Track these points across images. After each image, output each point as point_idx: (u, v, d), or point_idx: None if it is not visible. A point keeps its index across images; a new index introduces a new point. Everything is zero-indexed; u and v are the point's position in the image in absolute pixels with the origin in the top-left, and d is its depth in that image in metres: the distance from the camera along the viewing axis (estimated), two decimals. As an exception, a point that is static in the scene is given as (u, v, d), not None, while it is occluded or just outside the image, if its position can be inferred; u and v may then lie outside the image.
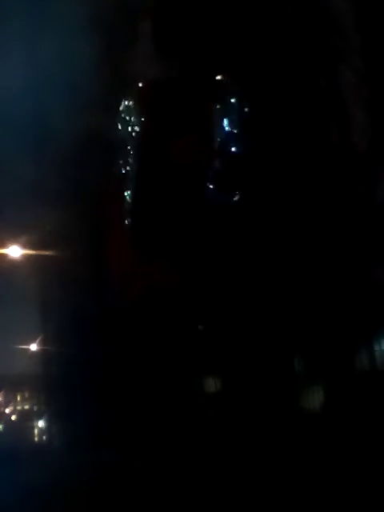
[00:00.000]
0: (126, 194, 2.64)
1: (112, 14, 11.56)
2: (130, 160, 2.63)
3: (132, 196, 2.55)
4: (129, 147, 2.64)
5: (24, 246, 14.33)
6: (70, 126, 13.05)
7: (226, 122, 2.51)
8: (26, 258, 14.86)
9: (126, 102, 2.63)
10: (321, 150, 9.40)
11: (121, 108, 2.68)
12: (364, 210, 9.00)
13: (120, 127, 2.67)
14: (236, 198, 2.58)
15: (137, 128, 2.62)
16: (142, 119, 2.59)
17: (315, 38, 9.42)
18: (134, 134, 2.64)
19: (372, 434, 6.62)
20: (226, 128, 2.51)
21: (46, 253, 14.44)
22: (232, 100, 2.51)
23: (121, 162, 2.69)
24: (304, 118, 9.53)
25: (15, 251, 14.46)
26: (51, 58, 12.70)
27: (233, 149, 2.52)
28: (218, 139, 2.52)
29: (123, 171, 2.69)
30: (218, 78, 2.59)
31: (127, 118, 2.65)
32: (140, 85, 2.62)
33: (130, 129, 2.63)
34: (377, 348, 9.32)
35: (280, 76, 9.12)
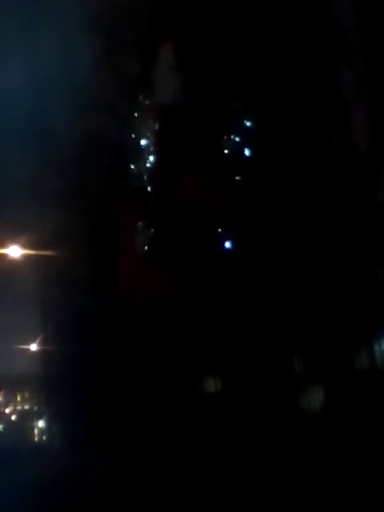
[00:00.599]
0: (141, 208, 2.67)
1: (112, 15, 11.56)
2: (145, 176, 2.67)
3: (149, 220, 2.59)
4: (144, 166, 2.67)
5: (24, 246, 14.31)
6: (69, 127, 13.05)
7: (235, 152, 2.53)
8: (26, 258, 14.85)
9: (140, 123, 2.64)
10: (321, 151, 9.40)
11: (134, 125, 2.69)
12: (364, 210, 9.00)
13: (133, 140, 2.69)
14: (241, 199, 2.60)
15: (152, 158, 2.66)
16: (157, 152, 2.62)
17: (315, 38, 9.43)
18: (148, 165, 2.67)
19: (372, 434, 6.62)
20: (235, 158, 2.53)
21: (46, 253, 14.44)
22: (242, 125, 2.51)
23: (135, 174, 2.72)
24: (304, 118, 9.53)
25: (15, 251, 14.44)
26: (51, 59, 12.70)
27: (241, 179, 2.54)
28: (227, 174, 2.54)
29: (138, 184, 2.71)
30: (230, 103, 2.59)
31: (141, 136, 2.67)
32: (156, 112, 2.63)
33: (144, 144, 2.65)
34: (377, 348, 9.32)
35: (281, 77, 9.12)
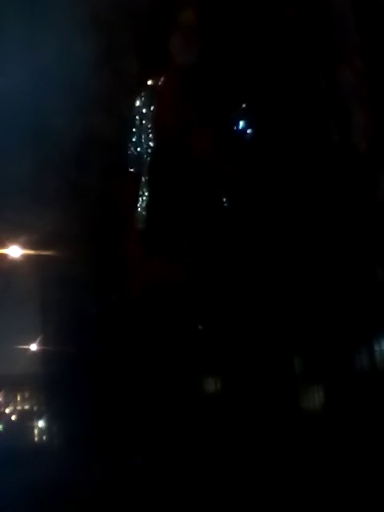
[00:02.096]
0: (139, 193, 2.65)
1: (111, 13, 11.56)
2: (144, 150, 2.65)
3: (145, 188, 2.57)
4: (143, 137, 2.66)
5: (24, 246, 14.34)
6: (69, 127, 13.07)
7: (241, 121, 2.52)
8: (26, 258, 14.88)
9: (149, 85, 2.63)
10: (321, 150, 9.40)
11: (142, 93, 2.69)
12: (364, 210, 9.01)
13: (136, 110, 2.68)
14: (241, 201, 2.59)
15: (152, 113, 2.64)
16: (161, 104, 2.60)
17: (315, 38, 9.43)
18: (150, 116, 2.65)
19: (372, 434, 6.62)
20: (241, 127, 2.52)
21: (46, 253, 14.46)
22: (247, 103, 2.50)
23: (134, 153, 2.71)
24: (304, 118, 9.53)
25: (15, 251, 14.47)
26: (51, 58, 12.71)
27: (244, 147, 2.52)
28: (233, 137, 2.53)
29: (136, 166, 2.70)
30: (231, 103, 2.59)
31: (145, 103, 2.66)
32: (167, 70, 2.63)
33: (146, 111, 2.64)
34: (377, 348, 9.32)
35: (280, 76, 9.13)
